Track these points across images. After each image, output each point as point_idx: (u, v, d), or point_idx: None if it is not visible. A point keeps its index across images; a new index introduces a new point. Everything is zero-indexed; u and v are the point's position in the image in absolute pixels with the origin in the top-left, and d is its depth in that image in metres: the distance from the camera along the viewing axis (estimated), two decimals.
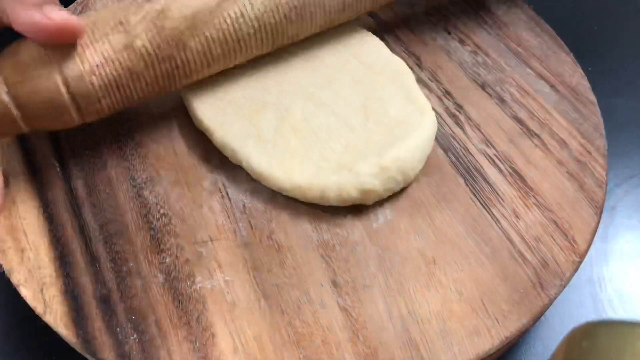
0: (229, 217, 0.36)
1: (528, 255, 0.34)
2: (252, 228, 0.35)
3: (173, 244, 0.35)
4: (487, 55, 0.44)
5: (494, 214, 0.36)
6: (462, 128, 0.40)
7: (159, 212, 0.36)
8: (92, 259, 0.34)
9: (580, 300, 0.39)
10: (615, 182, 0.45)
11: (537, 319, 0.32)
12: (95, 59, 0.34)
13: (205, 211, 0.36)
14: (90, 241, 0.35)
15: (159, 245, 0.35)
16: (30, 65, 0.33)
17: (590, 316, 0.39)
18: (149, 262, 0.34)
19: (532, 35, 0.45)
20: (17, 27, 0.32)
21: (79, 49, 0.33)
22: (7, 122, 0.33)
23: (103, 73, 0.34)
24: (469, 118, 0.40)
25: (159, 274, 0.33)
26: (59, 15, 0.32)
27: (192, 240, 0.35)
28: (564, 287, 0.33)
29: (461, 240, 0.35)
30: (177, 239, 0.35)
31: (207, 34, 0.35)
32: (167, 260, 0.34)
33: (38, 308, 0.32)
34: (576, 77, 0.42)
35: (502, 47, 0.44)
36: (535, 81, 0.42)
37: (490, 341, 0.31)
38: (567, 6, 0.57)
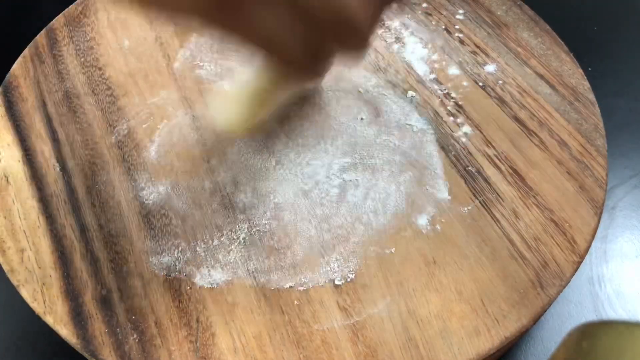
0: (228, 217, 0.36)
1: (528, 255, 0.34)
2: (252, 228, 0.35)
3: (173, 244, 0.35)
4: (487, 55, 0.44)
5: (494, 214, 0.36)
6: (462, 128, 0.40)
7: (159, 212, 0.36)
8: (92, 259, 0.34)
9: (580, 300, 0.39)
10: (615, 182, 0.45)
11: (537, 319, 0.32)
12: None
13: (206, 211, 0.36)
14: (90, 241, 0.35)
15: (159, 245, 0.35)
16: None
17: (590, 316, 0.39)
18: (149, 262, 0.34)
19: (532, 35, 0.45)
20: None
21: None
22: None
23: None
24: (469, 118, 0.40)
25: (159, 274, 0.33)
26: None
27: (192, 240, 0.35)
28: (564, 287, 0.33)
29: (461, 240, 0.35)
30: (177, 239, 0.35)
31: None
32: (167, 260, 0.34)
33: (38, 308, 0.32)
34: (576, 77, 0.42)
35: (502, 47, 0.44)
36: (535, 81, 0.42)
37: (490, 341, 0.31)
38: (567, 6, 0.57)
